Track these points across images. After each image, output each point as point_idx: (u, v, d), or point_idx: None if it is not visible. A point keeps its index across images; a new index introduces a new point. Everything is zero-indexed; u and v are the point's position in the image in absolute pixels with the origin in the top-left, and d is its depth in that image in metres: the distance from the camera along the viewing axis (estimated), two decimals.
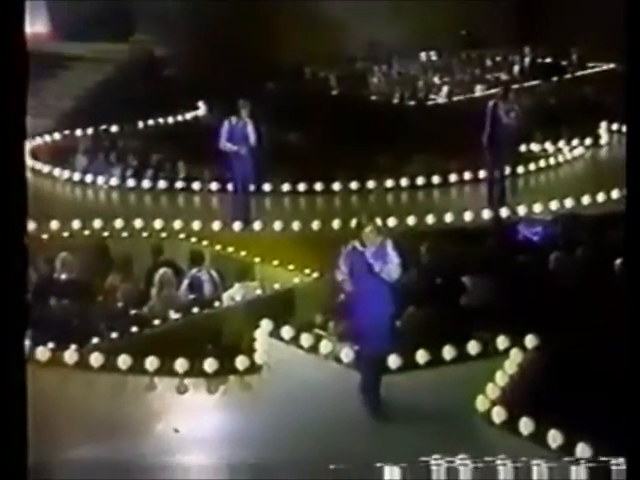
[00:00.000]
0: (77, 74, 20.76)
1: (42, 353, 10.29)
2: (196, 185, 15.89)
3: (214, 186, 15.55)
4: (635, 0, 6.00)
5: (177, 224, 14.10)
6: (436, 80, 22.58)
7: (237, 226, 14.13)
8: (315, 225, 14.05)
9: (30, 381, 10.25)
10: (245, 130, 14.10)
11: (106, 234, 14.00)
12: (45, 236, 13.76)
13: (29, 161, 17.48)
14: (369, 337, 9.17)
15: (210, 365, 9.89)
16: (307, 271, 12.29)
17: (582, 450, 7.96)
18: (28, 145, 17.97)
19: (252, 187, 14.72)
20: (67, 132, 18.79)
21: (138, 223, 14.12)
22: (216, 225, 14.13)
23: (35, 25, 21.60)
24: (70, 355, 10.21)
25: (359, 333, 9.41)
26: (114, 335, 10.90)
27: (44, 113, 19.92)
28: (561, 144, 17.55)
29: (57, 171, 16.98)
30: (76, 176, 16.74)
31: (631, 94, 5.82)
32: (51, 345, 10.36)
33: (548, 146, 17.52)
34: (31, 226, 13.77)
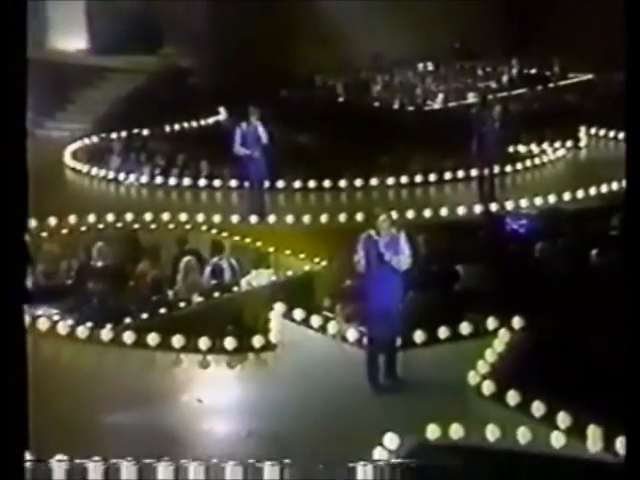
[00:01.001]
0: (113, 84, 20.79)
1: (82, 331, 10.35)
2: (217, 182, 15.86)
3: (233, 183, 15.52)
4: (635, 2, 5.75)
5: (200, 217, 14.06)
6: (432, 88, 22.52)
7: (253, 219, 14.10)
8: (323, 218, 14.02)
9: (71, 356, 10.34)
10: (256, 133, 14.10)
11: (137, 226, 13.95)
12: (83, 228, 13.76)
13: (70, 161, 17.50)
14: (375, 319, 9.19)
15: (230, 343, 9.91)
16: (316, 259, 12.28)
17: (562, 418, 7.94)
18: (70, 147, 18.04)
19: (267, 184, 14.69)
20: (103, 135, 18.81)
21: (165, 216, 14.09)
22: (235, 218, 14.10)
23: (78, 42, 21.72)
24: (106, 333, 10.26)
25: (366, 315, 9.42)
26: (144, 316, 10.93)
27: (84, 119, 20.01)
28: (545, 146, 17.49)
29: (94, 170, 16.96)
30: (110, 174, 16.71)
31: (631, 95, 5.62)
32: (89, 324, 10.40)
33: (533, 147, 17.47)
34: (71, 219, 13.89)
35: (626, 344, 5.13)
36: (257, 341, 9.96)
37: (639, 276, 5.47)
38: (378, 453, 7.68)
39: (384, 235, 8.95)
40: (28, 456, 7.61)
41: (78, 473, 7.58)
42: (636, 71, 5.58)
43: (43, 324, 10.54)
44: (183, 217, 14.05)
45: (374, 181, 15.59)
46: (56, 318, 10.82)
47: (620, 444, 7.57)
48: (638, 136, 5.50)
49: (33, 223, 13.55)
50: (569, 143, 17.69)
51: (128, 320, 10.70)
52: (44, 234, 13.51)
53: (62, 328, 10.46)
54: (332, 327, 10.16)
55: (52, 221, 13.68)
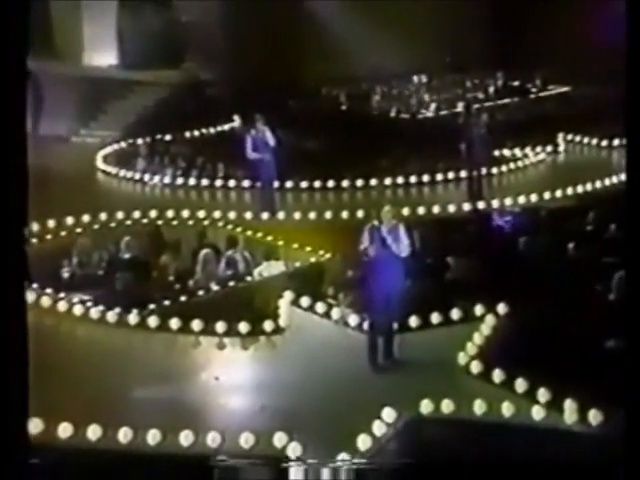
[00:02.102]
0: (140, 95, 20.85)
1: (111, 316, 10.38)
2: (232, 183, 15.84)
3: (246, 183, 15.48)
4: (635, 5, 5.51)
5: (217, 214, 14.05)
6: (426, 98, 22.44)
7: (265, 216, 14.08)
8: (328, 215, 14.02)
9: (102, 338, 10.36)
10: (264, 137, 14.11)
11: (160, 222, 13.96)
12: (113, 224, 13.76)
13: (101, 165, 17.49)
14: (375, 305, 9.21)
15: (244, 327, 9.92)
16: (321, 252, 12.25)
17: (542, 394, 7.97)
18: (101, 152, 18.06)
19: (276, 184, 14.68)
20: (131, 141, 18.85)
21: (185, 213, 14.09)
22: (248, 215, 14.08)
23: (109, 58, 21.78)
24: (133, 318, 10.29)
25: (366, 302, 9.44)
26: (167, 302, 10.91)
27: (114, 127, 20.07)
28: (527, 150, 17.44)
29: (122, 172, 16.96)
30: (137, 176, 16.71)
31: (631, 96, 5.33)
32: (118, 310, 10.41)
33: (516, 152, 17.40)
34: (102, 216, 13.92)
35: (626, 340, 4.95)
36: (268, 325, 9.98)
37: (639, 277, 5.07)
38: (377, 426, 7.73)
39: (386, 224, 9.07)
40: (66, 427, 7.71)
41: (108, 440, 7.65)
42: (636, 72, 5.31)
43: (78, 310, 10.63)
44: (201, 214, 14.05)
45: (373, 181, 15.55)
46: (89, 304, 10.85)
47: (593, 416, 7.62)
48: (638, 137, 5.26)
49: (69, 220, 13.64)
50: (549, 148, 17.63)
51: (152, 306, 10.68)
52: (78, 230, 13.56)
53: (94, 313, 10.51)
54: (335, 313, 10.16)
55: (85, 218, 13.72)
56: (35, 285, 11.14)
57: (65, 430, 7.82)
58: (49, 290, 11.14)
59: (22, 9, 4.54)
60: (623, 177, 15.38)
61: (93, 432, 7.77)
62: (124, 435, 7.74)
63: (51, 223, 13.50)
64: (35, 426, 7.72)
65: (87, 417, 7.85)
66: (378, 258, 9.03)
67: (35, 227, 13.30)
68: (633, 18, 5.47)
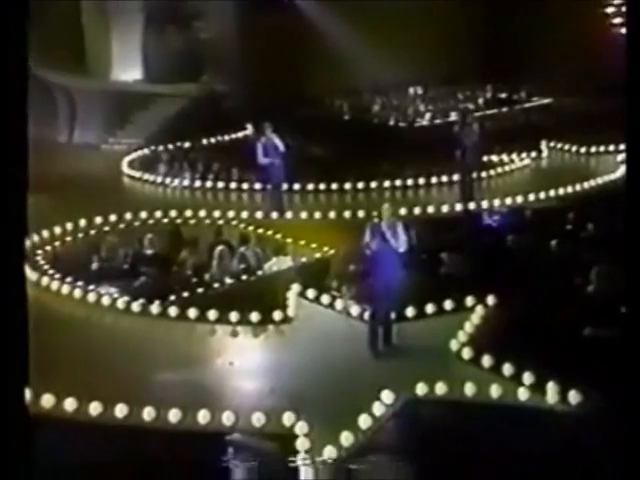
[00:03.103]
0: (162, 107, 20.90)
1: (136, 306, 10.40)
2: (245, 185, 15.87)
3: (257, 186, 15.52)
4: (636, 8, 5.22)
5: (231, 214, 14.06)
6: (421, 108, 22.46)
7: (274, 215, 14.09)
8: (331, 214, 14.03)
9: (128, 326, 10.41)
10: (274, 144, 14.10)
11: (179, 221, 13.99)
12: (137, 223, 13.78)
13: (127, 169, 17.47)
14: (375, 296, 9.20)
15: (255, 316, 9.93)
16: (326, 248, 12.25)
17: (527, 377, 7.97)
18: (127, 158, 18.08)
19: (285, 187, 14.72)
20: (153, 148, 18.89)
21: (202, 213, 14.10)
22: (259, 214, 14.09)
23: (135, 73, 21.86)
24: (155, 308, 10.31)
25: (367, 293, 9.44)
26: (185, 294, 10.93)
27: (138, 135, 20.14)
28: (513, 156, 17.43)
29: (146, 176, 16.99)
30: (159, 179, 16.74)
31: (631, 96, 5.08)
32: (141, 300, 10.43)
33: (504, 157, 17.39)
34: (127, 215, 13.94)
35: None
36: (277, 315, 9.98)
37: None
38: (377, 406, 7.74)
39: (386, 220, 9.13)
40: (96, 406, 7.75)
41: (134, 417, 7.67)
42: (636, 73, 5.05)
43: (106, 300, 10.67)
44: (217, 214, 14.07)
45: (373, 184, 15.54)
46: (116, 296, 10.88)
47: (572, 397, 7.64)
48: (638, 138, 5.04)
49: (98, 219, 13.67)
50: (533, 154, 17.62)
51: (172, 297, 10.69)
52: (106, 228, 13.60)
53: (120, 304, 10.54)
54: (339, 304, 10.16)
55: (112, 217, 13.76)
56: (69, 278, 11.21)
57: (95, 409, 7.87)
58: (80, 283, 11.17)
59: (22, 12, 4.29)
60: (600, 181, 15.46)
61: (120, 410, 7.82)
62: (148, 414, 7.77)
63: (82, 222, 13.55)
64: (70, 405, 7.80)
65: (114, 397, 7.89)
66: (378, 252, 9.07)
67: (69, 226, 13.36)
68: (633, 18, 5.22)
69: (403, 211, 13.59)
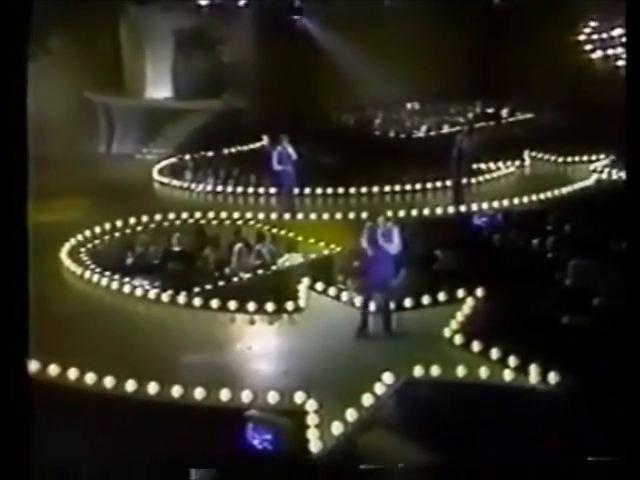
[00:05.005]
0: (188, 121, 20.97)
1: (165, 297, 10.37)
2: (261, 190, 15.85)
3: (272, 190, 15.50)
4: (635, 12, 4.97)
5: (248, 215, 14.03)
6: (417, 121, 22.42)
7: (287, 216, 14.07)
8: (338, 216, 14.00)
9: (158, 314, 10.43)
10: (288, 152, 14.09)
11: (203, 221, 13.98)
12: (166, 223, 13.76)
13: (157, 176, 17.46)
14: (374, 289, 9.19)
15: (270, 306, 9.90)
16: (332, 246, 12.24)
17: (512, 360, 7.94)
18: (157, 166, 18.08)
19: (296, 191, 14.70)
20: (181, 157, 18.94)
21: (223, 214, 14.10)
22: (273, 215, 14.06)
23: (165, 92, 21.95)
24: (181, 299, 10.30)
25: (367, 286, 9.42)
26: (208, 286, 10.89)
27: (167, 146, 20.22)
28: (500, 164, 17.38)
29: (174, 182, 17.00)
30: (185, 185, 16.75)
31: (631, 97, 4.87)
32: (170, 292, 10.42)
33: (491, 165, 17.35)
34: (157, 217, 13.95)
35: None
36: (290, 305, 9.95)
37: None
38: (378, 386, 7.72)
39: (381, 227, 9.04)
40: (132, 383, 7.77)
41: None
42: (636, 75, 4.83)
43: (139, 292, 10.68)
44: (236, 215, 14.04)
45: (375, 188, 15.51)
46: (148, 287, 10.89)
47: (552, 378, 7.61)
48: (638, 138, 4.85)
49: (132, 220, 13.68)
50: (517, 162, 17.57)
51: (197, 289, 10.65)
52: (139, 228, 13.61)
53: (152, 294, 10.55)
54: (344, 296, 10.13)
55: (144, 218, 13.77)
56: (107, 272, 11.23)
57: (131, 385, 7.90)
58: (117, 276, 11.19)
59: (23, 14, 4.10)
60: (576, 186, 15.45)
61: (153, 388, 7.82)
62: (177, 391, 7.78)
63: (118, 223, 13.57)
64: (109, 382, 7.82)
65: (146, 376, 7.90)
66: (374, 254, 9.00)
67: (107, 226, 13.38)
68: (633, 18, 4.98)
69: (401, 213, 13.60)
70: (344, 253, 11.62)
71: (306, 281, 10.49)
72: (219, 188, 16.25)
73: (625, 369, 4.53)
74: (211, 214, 14.09)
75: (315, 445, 6.93)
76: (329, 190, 15.44)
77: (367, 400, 7.53)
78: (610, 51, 22.56)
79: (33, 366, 7.97)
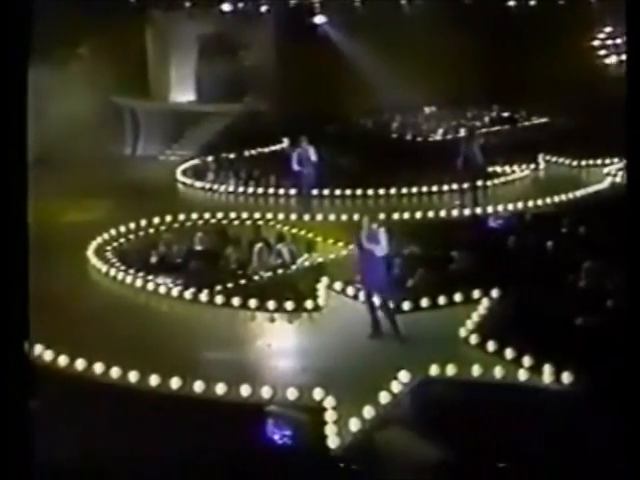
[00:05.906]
0: (211, 123, 21.06)
1: (187, 295, 10.41)
2: (281, 191, 15.85)
3: (292, 191, 15.51)
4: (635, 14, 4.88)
5: (269, 215, 14.04)
6: (434, 125, 22.34)
7: (306, 217, 14.07)
8: (356, 217, 13.94)
9: (181, 311, 10.48)
10: (307, 155, 14.09)
11: (225, 221, 14.02)
12: (189, 223, 13.81)
13: (180, 177, 17.53)
14: (372, 290, 9.12)
15: (290, 305, 9.89)
16: (351, 247, 12.19)
17: (528, 360, 7.90)
18: (180, 167, 18.15)
19: (315, 192, 14.70)
20: (203, 158, 19.03)
21: (244, 215, 14.12)
22: (293, 216, 14.04)
23: (189, 95, 22.07)
24: (204, 296, 10.32)
25: (366, 287, 9.33)
26: (230, 285, 10.92)
27: (190, 148, 20.32)
28: (514, 167, 17.28)
29: (197, 183, 17.05)
30: (207, 185, 16.80)
31: (631, 98, 4.81)
32: (192, 289, 10.45)
33: (506, 168, 17.24)
34: (181, 217, 14.02)
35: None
36: (309, 304, 9.94)
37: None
38: (395, 385, 7.70)
39: (365, 229, 8.96)
40: (154, 378, 7.82)
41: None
42: (636, 76, 4.80)
43: (163, 289, 10.74)
44: (257, 215, 14.05)
45: (393, 190, 15.47)
46: (171, 285, 10.94)
47: (565, 377, 7.55)
48: (637, 139, 4.78)
49: (156, 220, 13.76)
50: (531, 166, 17.46)
51: (219, 287, 10.68)
52: (163, 227, 13.69)
53: (175, 292, 10.59)
54: (361, 295, 10.10)
55: (168, 218, 13.84)
56: (132, 270, 11.31)
57: (154, 380, 7.95)
58: (141, 274, 11.26)
59: (24, 16, 4.03)
60: (590, 190, 15.32)
61: (175, 383, 7.87)
62: (199, 386, 7.82)
63: (143, 222, 13.65)
64: (133, 376, 7.88)
65: (169, 372, 7.94)
66: (362, 256, 8.91)
67: (132, 225, 13.47)
68: (633, 19, 4.91)
69: (418, 215, 13.56)
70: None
71: (325, 280, 10.48)
72: (240, 189, 16.27)
73: (636, 370, 4.47)
74: (232, 214, 14.11)
75: (333, 441, 6.93)
76: (347, 192, 15.40)
77: (384, 398, 7.51)
78: (624, 56, 22.42)
79: (62, 360, 8.15)
